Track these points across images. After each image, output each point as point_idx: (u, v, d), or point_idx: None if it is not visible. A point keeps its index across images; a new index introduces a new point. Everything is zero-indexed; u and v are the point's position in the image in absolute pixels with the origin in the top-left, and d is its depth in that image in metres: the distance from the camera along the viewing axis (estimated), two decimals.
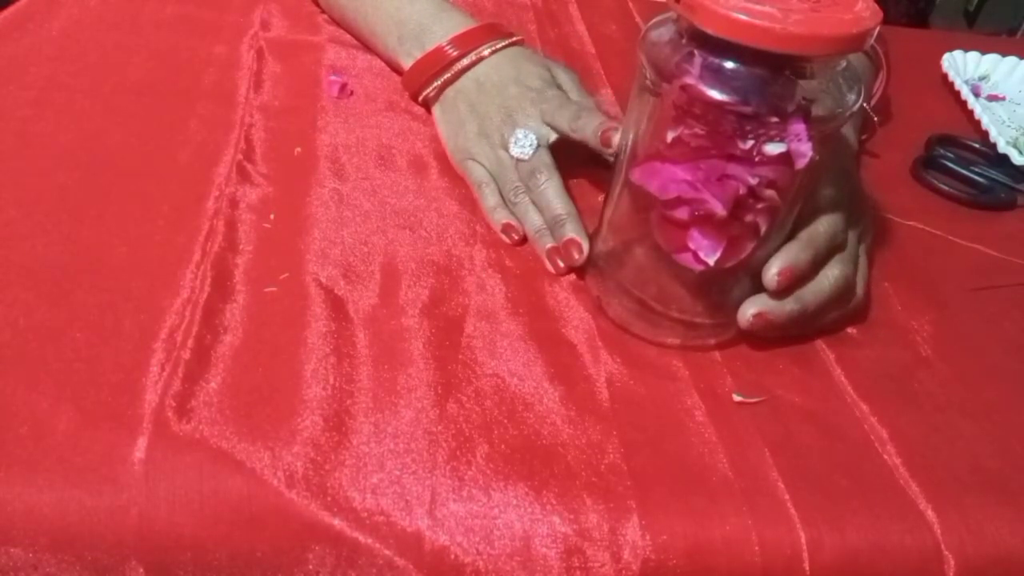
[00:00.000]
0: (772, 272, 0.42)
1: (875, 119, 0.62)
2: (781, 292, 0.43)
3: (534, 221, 0.50)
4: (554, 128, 0.51)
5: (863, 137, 0.62)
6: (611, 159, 0.46)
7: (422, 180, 0.54)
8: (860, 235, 0.48)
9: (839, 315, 0.46)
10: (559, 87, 0.54)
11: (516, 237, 0.50)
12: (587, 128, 0.48)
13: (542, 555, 0.35)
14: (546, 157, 0.50)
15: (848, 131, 0.55)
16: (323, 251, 0.47)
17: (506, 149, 0.51)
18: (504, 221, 0.50)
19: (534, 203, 0.50)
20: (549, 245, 0.48)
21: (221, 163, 0.52)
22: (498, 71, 0.54)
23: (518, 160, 0.51)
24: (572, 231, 0.48)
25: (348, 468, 0.36)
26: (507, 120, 0.52)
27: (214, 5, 0.69)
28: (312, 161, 0.54)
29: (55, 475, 0.35)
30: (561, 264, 0.48)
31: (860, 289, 0.47)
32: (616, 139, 0.46)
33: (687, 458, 0.39)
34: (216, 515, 0.35)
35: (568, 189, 0.51)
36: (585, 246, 0.47)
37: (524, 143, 0.50)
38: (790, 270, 0.42)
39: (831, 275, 0.44)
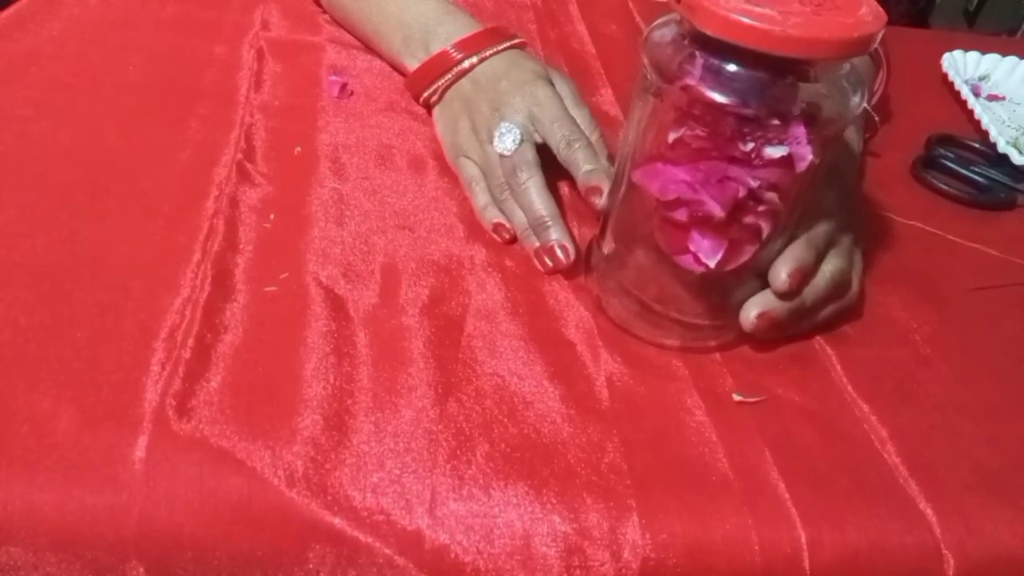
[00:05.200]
0: (783, 275, 0.42)
1: (876, 119, 0.62)
2: (791, 293, 0.43)
3: (521, 220, 0.49)
4: (545, 142, 0.51)
5: (866, 136, 0.62)
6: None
7: (422, 180, 0.54)
8: (855, 234, 0.48)
9: (835, 309, 0.46)
10: (552, 85, 0.54)
11: (507, 236, 0.50)
12: (577, 167, 0.49)
13: (542, 554, 0.35)
14: (528, 154, 0.50)
15: (852, 132, 0.55)
16: (323, 251, 0.47)
17: (493, 144, 0.51)
18: (495, 220, 0.50)
19: (516, 202, 0.50)
20: (536, 245, 0.48)
21: (221, 163, 0.52)
22: (493, 68, 0.54)
23: (501, 156, 0.51)
24: (556, 234, 0.48)
25: (348, 467, 0.36)
26: (495, 114, 0.52)
27: (214, 5, 0.69)
28: (312, 161, 0.54)
29: (55, 474, 0.35)
30: (550, 263, 0.48)
31: (855, 284, 0.47)
32: (600, 203, 0.46)
33: (687, 457, 0.39)
34: (216, 514, 0.35)
35: (556, 188, 0.51)
36: (571, 248, 0.47)
37: (507, 138, 0.50)
38: (799, 271, 0.42)
39: (827, 269, 0.45)
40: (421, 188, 0.53)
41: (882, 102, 0.63)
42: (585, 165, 0.48)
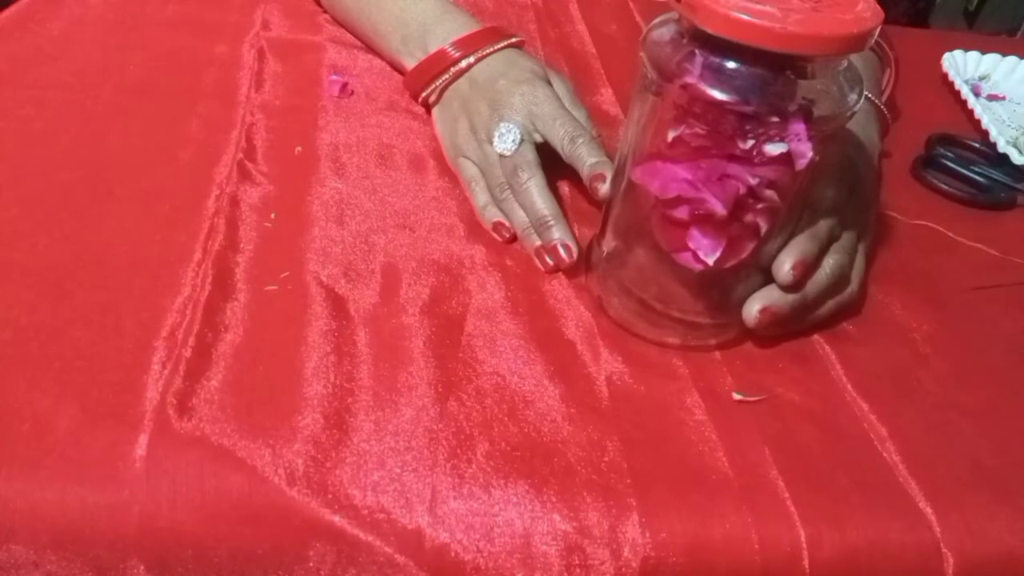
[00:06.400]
0: (787, 267, 0.42)
1: (888, 117, 0.62)
2: (795, 285, 0.43)
3: (521, 219, 0.50)
4: (546, 140, 0.51)
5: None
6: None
7: (422, 179, 0.54)
8: (861, 232, 0.48)
9: (835, 305, 0.46)
10: (550, 84, 0.54)
11: (507, 235, 0.50)
12: (581, 162, 0.48)
13: (542, 552, 0.35)
14: (529, 154, 0.50)
15: (870, 130, 0.55)
16: (324, 250, 0.47)
17: (492, 144, 0.51)
18: (494, 220, 0.50)
19: (518, 201, 0.50)
20: (537, 243, 0.49)
21: (222, 162, 0.53)
22: (490, 68, 0.55)
23: (501, 156, 0.51)
24: (559, 234, 0.48)
25: (349, 466, 0.36)
26: (493, 114, 0.52)
27: (215, 5, 0.69)
28: (313, 160, 0.54)
29: (56, 472, 0.35)
30: (550, 262, 0.48)
31: (855, 280, 0.47)
32: (604, 189, 0.46)
33: (687, 456, 0.39)
34: (217, 512, 0.35)
35: (555, 188, 0.51)
36: (574, 248, 0.47)
37: (507, 138, 0.50)
38: (803, 263, 0.43)
39: (828, 264, 0.45)
40: (421, 188, 0.53)
41: (889, 101, 0.63)
42: (590, 159, 0.48)
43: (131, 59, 0.61)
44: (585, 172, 0.48)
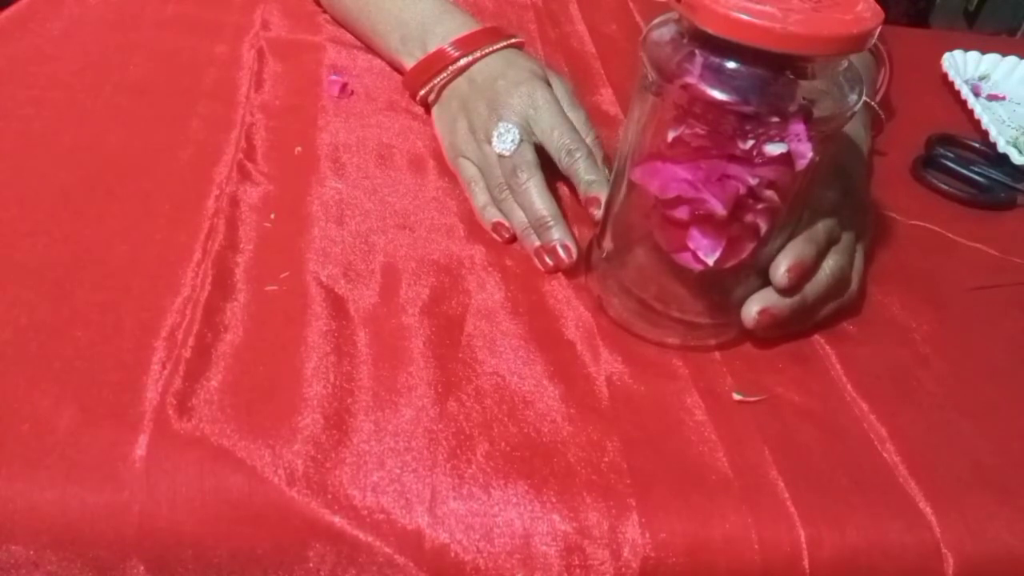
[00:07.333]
0: (782, 270, 0.42)
1: (882, 116, 0.62)
2: (791, 289, 0.43)
3: (520, 219, 0.50)
4: (544, 148, 0.51)
5: (872, 134, 0.62)
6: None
7: (422, 179, 0.54)
8: (858, 232, 0.48)
9: (835, 307, 0.46)
10: (549, 85, 0.54)
11: (507, 235, 0.50)
12: (578, 178, 0.49)
13: (542, 553, 0.35)
14: (528, 154, 0.50)
15: (859, 129, 0.55)
16: (323, 250, 0.47)
17: (491, 144, 0.51)
18: (494, 220, 0.50)
19: (517, 202, 0.50)
20: (537, 244, 0.49)
21: (222, 162, 0.52)
22: (489, 67, 0.54)
23: (500, 156, 0.51)
24: (558, 234, 0.48)
25: (348, 466, 0.36)
26: (492, 114, 0.52)
27: (215, 5, 0.69)
28: (312, 160, 0.54)
29: (56, 472, 0.35)
30: (550, 262, 0.48)
31: (855, 281, 0.47)
32: (598, 215, 0.47)
33: (687, 456, 0.39)
34: (217, 513, 0.35)
35: (555, 188, 0.51)
36: (573, 248, 0.48)
37: (506, 138, 0.50)
38: (799, 266, 0.42)
39: (828, 266, 0.45)
40: (421, 188, 0.53)
41: (884, 99, 0.63)
42: (586, 176, 0.49)
43: (131, 59, 0.61)
44: (581, 190, 0.49)
